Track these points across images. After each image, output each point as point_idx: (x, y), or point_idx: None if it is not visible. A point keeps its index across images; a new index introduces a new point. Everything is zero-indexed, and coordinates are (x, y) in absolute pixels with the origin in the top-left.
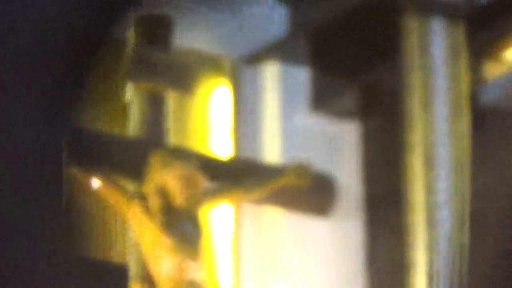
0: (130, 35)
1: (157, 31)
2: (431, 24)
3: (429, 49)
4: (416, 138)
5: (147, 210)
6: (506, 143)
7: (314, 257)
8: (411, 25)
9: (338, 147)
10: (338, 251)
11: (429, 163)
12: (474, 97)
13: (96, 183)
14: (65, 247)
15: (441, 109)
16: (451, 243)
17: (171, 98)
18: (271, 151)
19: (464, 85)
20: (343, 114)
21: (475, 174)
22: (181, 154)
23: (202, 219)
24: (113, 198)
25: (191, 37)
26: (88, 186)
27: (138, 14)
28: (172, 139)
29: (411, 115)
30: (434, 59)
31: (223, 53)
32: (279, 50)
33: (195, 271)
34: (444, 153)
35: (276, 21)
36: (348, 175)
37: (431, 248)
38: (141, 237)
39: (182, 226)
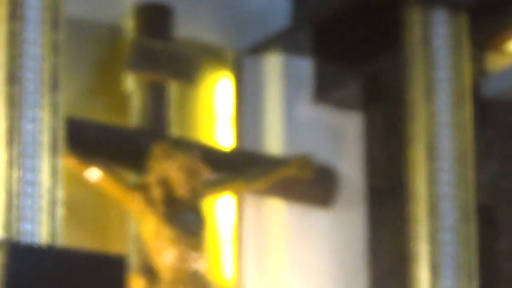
0: (131, 25)
1: (158, 21)
2: (434, 15)
3: (432, 41)
4: (418, 129)
5: (149, 200)
6: (509, 135)
7: (316, 248)
8: (414, 16)
9: (340, 138)
10: (340, 242)
11: (432, 154)
12: (476, 88)
13: (96, 174)
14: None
15: (443, 100)
16: (455, 235)
17: (173, 89)
18: (274, 142)
19: (466, 77)
20: (345, 105)
21: (479, 166)
22: (184, 145)
23: (204, 210)
24: (114, 189)
25: (193, 27)
26: (88, 177)
27: (139, 3)
28: (174, 130)
29: (413, 106)
30: (436, 50)
31: (225, 44)
32: (282, 41)
33: (197, 262)
34: (446, 145)
35: (279, 12)
36: (351, 166)
37: (433, 239)
38: (143, 228)
39: (184, 217)
